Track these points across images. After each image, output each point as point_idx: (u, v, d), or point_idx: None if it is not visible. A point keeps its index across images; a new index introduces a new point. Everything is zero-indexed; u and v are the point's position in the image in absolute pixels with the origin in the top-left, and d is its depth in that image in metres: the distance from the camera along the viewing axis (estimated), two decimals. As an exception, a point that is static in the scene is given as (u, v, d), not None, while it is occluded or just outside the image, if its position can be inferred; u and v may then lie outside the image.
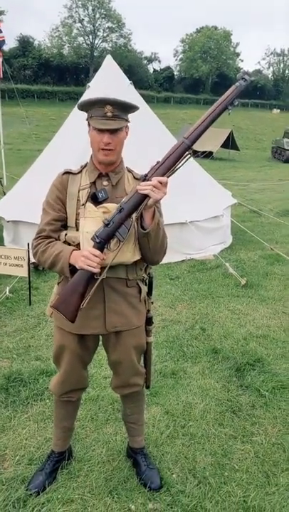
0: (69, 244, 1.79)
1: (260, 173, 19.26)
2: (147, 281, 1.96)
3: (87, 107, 1.72)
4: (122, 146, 1.78)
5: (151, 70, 66.75)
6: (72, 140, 5.59)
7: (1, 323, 3.89)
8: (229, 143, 27.26)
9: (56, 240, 1.82)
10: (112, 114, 1.67)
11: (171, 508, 2.00)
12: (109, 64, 6.44)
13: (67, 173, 1.84)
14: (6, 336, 3.65)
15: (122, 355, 1.93)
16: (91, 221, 1.71)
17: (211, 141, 25.62)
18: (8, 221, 5.56)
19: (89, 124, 1.75)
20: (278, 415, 2.68)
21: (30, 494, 2.02)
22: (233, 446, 2.41)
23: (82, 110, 1.78)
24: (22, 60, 52.52)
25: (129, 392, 2.06)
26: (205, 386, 2.95)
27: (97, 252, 1.65)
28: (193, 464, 2.27)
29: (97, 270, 1.66)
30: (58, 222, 1.82)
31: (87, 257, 1.65)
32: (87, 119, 1.76)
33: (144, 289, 1.94)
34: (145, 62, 66.99)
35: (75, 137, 5.55)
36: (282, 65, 76.73)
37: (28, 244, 3.93)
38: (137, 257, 1.79)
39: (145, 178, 1.67)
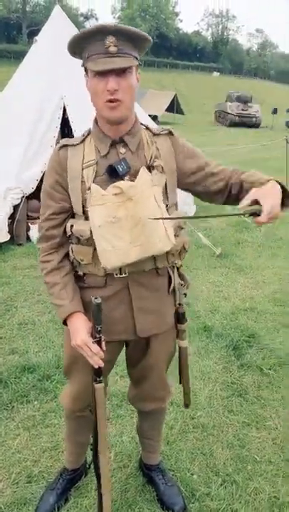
0: (78, 239, 1.36)
1: (207, 137, 19.08)
2: (177, 268, 1.52)
3: (80, 42, 1.23)
4: (134, 96, 1.30)
5: (88, 29, 63.66)
6: (20, 106, 4.98)
7: None
8: (174, 107, 26.82)
9: (62, 244, 1.43)
10: (116, 49, 1.19)
11: (200, 515, 1.79)
12: (58, 14, 5.78)
13: (64, 146, 1.37)
14: (-28, 327, 3.22)
15: (153, 360, 1.56)
16: (101, 210, 1.26)
17: (156, 104, 25.02)
18: None
19: (86, 72, 1.28)
20: (286, 395, 2.54)
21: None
22: (248, 434, 2.24)
23: (74, 52, 1.28)
24: None
25: (153, 408, 1.70)
26: (205, 369, 2.75)
27: (96, 349, 1.34)
28: (212, 459, 2.07)
29: (97, 364, 1.36)
30: (61, 215, 1.40)
31: (81, 348, 1.35)
32: (83, 65, 1.28)
33: (175, 278, 1.50)
34: (81, 19, 63.67)
35: (25, 102, 4.98)
36: (220, 27, 76.15)
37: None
38: (170, 245, 1.32)
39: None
